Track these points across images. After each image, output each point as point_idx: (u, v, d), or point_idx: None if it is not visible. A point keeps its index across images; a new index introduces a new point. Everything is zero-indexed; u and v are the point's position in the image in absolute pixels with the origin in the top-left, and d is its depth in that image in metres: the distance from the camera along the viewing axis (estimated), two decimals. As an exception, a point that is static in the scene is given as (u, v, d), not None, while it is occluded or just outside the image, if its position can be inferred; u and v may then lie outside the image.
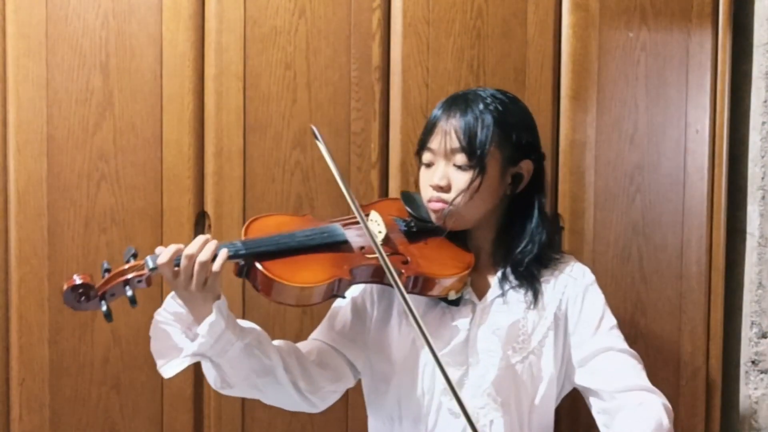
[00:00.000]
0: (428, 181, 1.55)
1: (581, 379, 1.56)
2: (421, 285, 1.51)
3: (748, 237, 1.96)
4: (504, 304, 1.56)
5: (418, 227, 1.59)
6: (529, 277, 1.56)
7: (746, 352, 1.96)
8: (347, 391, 1.65)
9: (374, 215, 1.57)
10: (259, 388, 1.48)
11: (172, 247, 1.38)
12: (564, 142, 1.93)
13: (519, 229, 1.58)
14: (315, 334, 1.62)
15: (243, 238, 1.47)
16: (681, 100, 1.94)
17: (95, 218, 1.90)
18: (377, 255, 1.43)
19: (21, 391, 1.91)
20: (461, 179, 1.52)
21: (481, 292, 1.58)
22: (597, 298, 1.59)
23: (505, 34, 1.92)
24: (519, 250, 1.57)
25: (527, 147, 1.57)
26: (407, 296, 1.39)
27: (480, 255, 1.60)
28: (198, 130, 1.90)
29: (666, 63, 1.94)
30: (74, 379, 1.91)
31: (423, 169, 1.58)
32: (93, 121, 1.89)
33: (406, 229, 1.58)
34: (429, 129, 1.57)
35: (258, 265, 1.41)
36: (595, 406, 1.55)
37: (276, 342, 1.52)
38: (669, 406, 1.48)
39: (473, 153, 1.50)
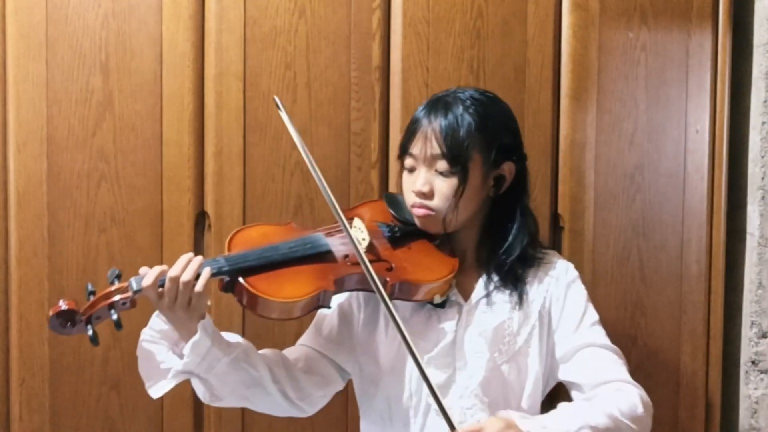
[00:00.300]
0: (411, 186, 1.55)
1: (564, 374, 1.58)
2: (406, 291, 1.51)
3: (748, 237, 1.96)
4: (489, 305, 1.57)
5: (402, 231, 1.58)
6: (514, 278, 1.57)
7: (746, 352, 1.96)
8: (346, 391, 1.65)
9: (357, 222, 1.56)
10: (248, 398, 1.50)
11: (157, 269, 1.38)
12: (564, 142, 1.93)
13: (502, 230, 1.58)
14: (302, 340, 1.63)
15: (226, 252, 1.47)
16: (681, 100, 1.94)
17: (95, 218, 1.90)
18: (361, 264, 1.43)
19: (21, 391, 1.91)
20: (444, 186, 1.52)
21: (466, 293, 1.59)
22: (579, 294, 1.60)
23: (505, 34, 1.92)
24: (503, 250, 1.57)
25: (509, 149, 1.56)
26: (392, 306, 1.40)
27: (464, 256, 1.60)
28: (198, 130, 1.90)
29: (666, 63, 1.94)
30: (74, 379, 1.91)
31: (405, 173, 1.58)
32: (93, 121, 1.89)
33: (390, 234, 1.58)
34: (410, 133, 1.56)
35: (242, 281, 1.41)
36: (577, 399, 1.56)
37: (263, 351, 1.53)
38: (647, 399, 1.48)
39: (455, 160, 1.50)
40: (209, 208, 1.91)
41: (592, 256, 1.94)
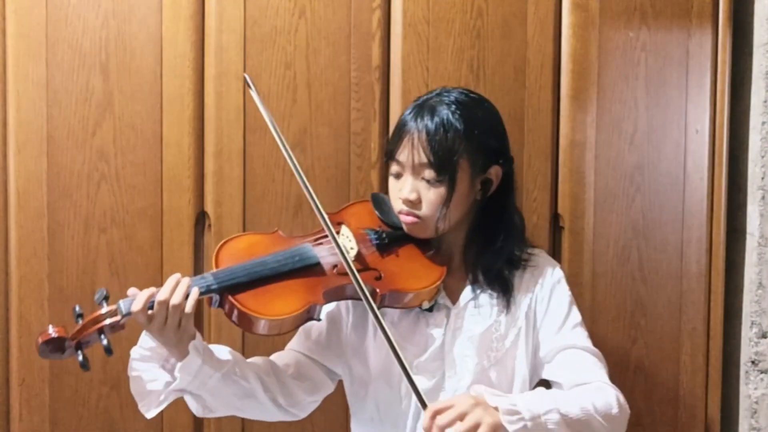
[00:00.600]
0: (398, 193, 1.55)
1: (546, 374, 1.58)
2: (395, 299, 1.51)
3: (748, 237, 1.96)
4: (477, 307, 1.57)
5: (390, 237, 1.58)
6: (501, 280, 1.57)
7: (746, 352, 1.96)
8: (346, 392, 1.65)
9: (345, 230, 1.55)
10: (240, 409, 1.51)
11: (145, 293, 1.38)
12: (564, 142, 1.93)
13: (489, 233, 1.58)
14: (291, 344, 1.63)
15: (214, 267, 1.46)
16: (681, 100, 1.94)
17: (95, 218, 1.90)
18: (350, 276, 1.43)
19: (21, 391, 1.91)
20: (431, 194, 1.51)
21: (454, 296, 1.59)
22: (563, 296, 1.60)
23: (505, 34, 1.92)
24: (490, 253, 1.57)
25: (495, 153, 1.55)
26: (380, 316, 1.40)
27: (452, 259, 1.60)
28: (198, 130, 1.90)
29: (666, 63, 1.94)
30: (74, 379, 1.91)
31: (392, 178, 1.57)
32: (93, 121, 1.89)
33: (378, 242, 1.57)
34: (396, 139, 1.55)
35: (231, 299, 1.41)
36: None
37: (252, 360, 1.54)
38: (624, 402, 1.47)
39: (442, 169, 1.49)
40: (209, 208, 1.91)
41: (592, 256, 1.94)
